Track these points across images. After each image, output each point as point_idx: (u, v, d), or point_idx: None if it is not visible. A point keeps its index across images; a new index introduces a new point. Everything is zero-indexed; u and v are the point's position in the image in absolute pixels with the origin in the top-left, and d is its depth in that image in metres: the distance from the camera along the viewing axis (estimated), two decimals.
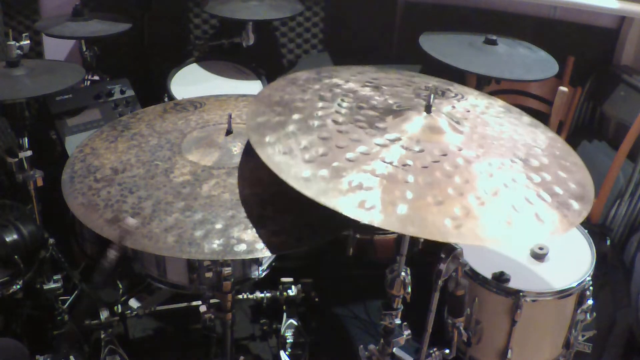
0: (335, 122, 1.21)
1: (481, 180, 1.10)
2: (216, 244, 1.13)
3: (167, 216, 1.17)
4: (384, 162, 1.10)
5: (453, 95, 1.44)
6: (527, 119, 1.43)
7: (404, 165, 1.09)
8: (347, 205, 1.01)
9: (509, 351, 1.65)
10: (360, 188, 1.04)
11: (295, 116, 1.24)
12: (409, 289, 1.35)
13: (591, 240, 1.74)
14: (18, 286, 1.66)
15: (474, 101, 1.43)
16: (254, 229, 1.16)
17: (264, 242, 1.14)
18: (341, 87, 1.38)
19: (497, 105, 1.46)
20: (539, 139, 1.32)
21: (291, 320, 1.96)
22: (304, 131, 1.18)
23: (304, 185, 1.04)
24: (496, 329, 1.66)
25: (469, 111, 1.36)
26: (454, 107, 1.37)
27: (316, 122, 1.21)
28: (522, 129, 1.34)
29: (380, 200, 1.02)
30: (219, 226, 1.15)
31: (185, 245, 1.12)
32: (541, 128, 1.39)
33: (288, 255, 2.15)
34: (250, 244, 1.13)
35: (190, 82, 2.30)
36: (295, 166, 1.08)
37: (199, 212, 1.18)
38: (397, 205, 1.01)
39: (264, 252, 1.13)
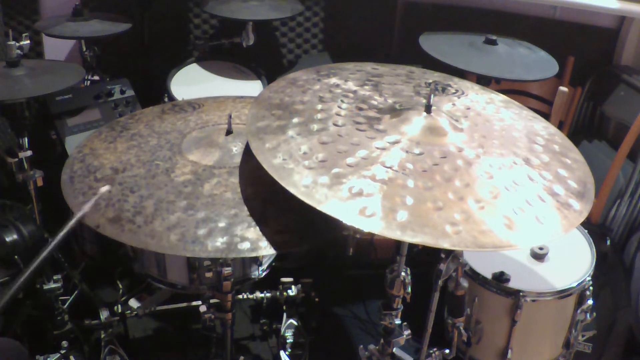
0: (335, 125, 1.21)
1: (481, 183, 1.10)
2: (220, 242, 1.12)
3: (169, 215, 1.17)
4: (384, 166, 1.10)
5: (453, 91, 1.44)
6: (527, 113, 1.43)
7: (404, 170, 1.09)
8: (347, 212, 1.01)
9: (509, 351, 1.65)
10: (361, 194, 1.04)
11: (295, 120, 1.24)
12: (409, 289, 1.35)
13: (591, 240, 1.74)
14: None
15: (474, 97, 1.43)
16: (257, 227, 1.15)
17: (267, 240, 1.14)
18: (341, 87, 1.38)
19: (498, 100, 1.46)
20: (539, 135, 1.31)
21: (291, 320, 1.96)
22: (304, 135, 1.18)
23: (305, 193, 1.04)
24: (496, 329, 1.66)
25: (469, 108, 1.36)
26: (454, 104, 1.37)
27: (316, 126, 1.21)
28: (522, 125, 1.34)
29: (380, 206, 1.02)
30: (222, 224, 1.15)
31: (188, 244, 1.12)
32: (542, 123, 1.39)
33: (288, 255, 2.16)
34: (253, 242, 1.13)
35: (190, 82, 2.30)
36: (295, 173, 1.08)
37: (201, 210, 1.18)
38: (397, 212, 1.01)
39: (267, 250, 1.13)
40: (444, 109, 1.32)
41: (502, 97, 1.49)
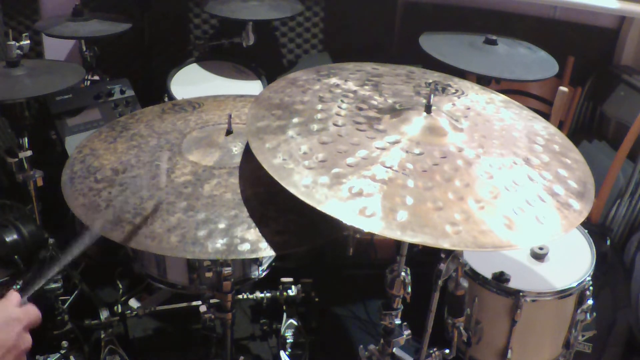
0: (335, 125, 1.21)
1: (481, 183, 1.10)
2: (220, 243, 1.12)
3: (169, 216, 1.17)
4: (384, 166, 1.10)
5: (453, 91, 1.44)
6: (527, 113, 1.43)
7: (404, 170, 1.09)
8: (347, 212, 1.00)
9: (509, 351, 1.65)
10: (361, 194, 1.04)
11: (295, 120, 1.24)
12: (409, 289, 1.35)
13: (591, 240, 1.74)
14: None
15: (474, 97, 1.43)
16: (257, 229, 1.15)
17: (267, 242, 1.14)
18: (341, 87, 1.38)
19: (498, 100, 1.46)
20: (539, 135, 1.31)
21: (291, 320, 1.96)
22: (304, 135, 1.18)
23: (305, 193, 1.04)
24: (496, 329, 1.66)
25: (469, 108, 1.36)
26: (454, 104, 1.37)
27: (316, 126, 1.21)
28: (522, 125, 1.34)
29: (380, 206, 1.02)
30: (222, 226, 1.15)
31: (188, 245, 1.12)
32: (542, 123, 1.39)
33: (288, 255, 2.16)
34: (253, 243, 1.13)
35: (190, 82, 2.30)
36: (295, 173, 1.08)
37: (201, 212, 1.18)
38: (397, 212, 1.01)
39: (267, 252, 1.13)
40: (444, 109, 1.32)
41: (502, 97, 1.49)
